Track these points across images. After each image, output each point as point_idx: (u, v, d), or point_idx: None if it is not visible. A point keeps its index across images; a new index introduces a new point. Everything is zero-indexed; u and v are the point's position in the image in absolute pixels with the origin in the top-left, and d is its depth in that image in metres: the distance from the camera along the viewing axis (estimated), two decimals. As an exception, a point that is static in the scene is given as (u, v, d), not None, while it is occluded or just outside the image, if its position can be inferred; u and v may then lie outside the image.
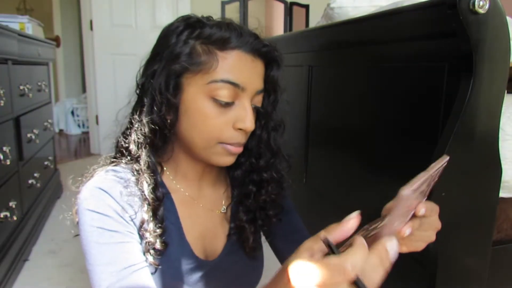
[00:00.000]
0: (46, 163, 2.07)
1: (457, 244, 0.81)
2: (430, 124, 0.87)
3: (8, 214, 1.38)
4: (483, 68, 0.74)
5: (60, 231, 1.86)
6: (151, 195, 0.61)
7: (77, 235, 0.60)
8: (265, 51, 0.63)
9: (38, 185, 1.85)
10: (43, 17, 4.43)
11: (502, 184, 0.83)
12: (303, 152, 1.60)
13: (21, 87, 1.66)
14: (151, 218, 0.60)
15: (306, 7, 4.03)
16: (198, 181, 0.70)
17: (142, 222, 0.60)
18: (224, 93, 0.59)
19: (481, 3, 0.69)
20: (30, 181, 1.73)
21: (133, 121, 0.63)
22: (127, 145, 0.63)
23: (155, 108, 0.60)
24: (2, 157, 1.35)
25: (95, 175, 0.62)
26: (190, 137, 0.62)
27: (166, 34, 0.63)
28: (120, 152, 0.65)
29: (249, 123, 0.61)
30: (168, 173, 0.68)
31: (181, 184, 0.68)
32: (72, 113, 4.81)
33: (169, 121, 0.61)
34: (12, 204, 1.43)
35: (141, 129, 0.61)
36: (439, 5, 0.77)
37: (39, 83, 2.01)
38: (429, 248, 0.76)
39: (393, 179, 1.01)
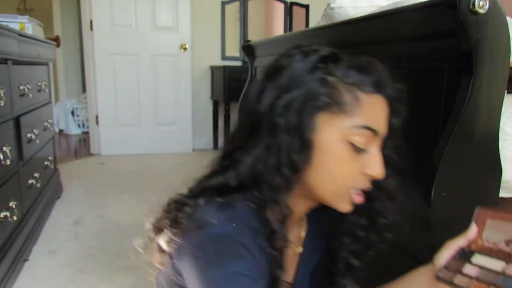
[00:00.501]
0: (46, 163, 2.07)
1: (457, 244, 0.81)
2: (430, 124, 0.87)
3: (8, 214, 1.38)
4: (483, 68, 0.74)
5: (60, 231, 1.86)
6: (281, 247, 0.56)
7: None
8: (396, 98, 0.60)
9: (38, 185, 1.85)
10: (43, 17, 4.42)
11: (502, 184, 0.83)
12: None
13: (21, 87, 1.66)
14: (278, 271, 0.56)
15: (306, 7, 4.03)
16: (293, 221, 0.65)
17: (273, 277, 0.55)
18: (362, 139, 0.55)
19: (481, 3, 0.69)
20: (30, 181, 1.73)
21: (267, 161, 0.56)
22: (250, 185, 0.56)
23: (292, 147, 0.55)
24: (2, 157, 1.35)
25: (209, 214, 0.54)
26: (318, 180, 0.57)
27: (291, 66, 0.57)
28: (238, 190, 0.57)
29: (381, 171, 0.58)
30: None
31: None
32: (72, 113, 4.81)
33: (301, 162, 0.56)
34: (12, 204, 1.43)
35: (277, 170, 0.55)
36: (439, 5, 0.78)
37: (39, 83, 2.01)
38: (429, 248, 0.76)
39: (393, 179, 1.01)
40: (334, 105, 0.54)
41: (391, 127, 0.61)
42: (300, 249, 0.70)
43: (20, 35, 1.62)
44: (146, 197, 2.40)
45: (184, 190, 0.67)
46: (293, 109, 0.54)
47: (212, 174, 0.62)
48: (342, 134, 0.55)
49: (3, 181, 1.38)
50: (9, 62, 1.52)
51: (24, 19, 2.05)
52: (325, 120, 0.55)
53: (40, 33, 2.31)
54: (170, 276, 0.63)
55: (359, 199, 0.59)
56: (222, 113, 3.64)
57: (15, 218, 1.45)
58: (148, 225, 0.66)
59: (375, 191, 0.63)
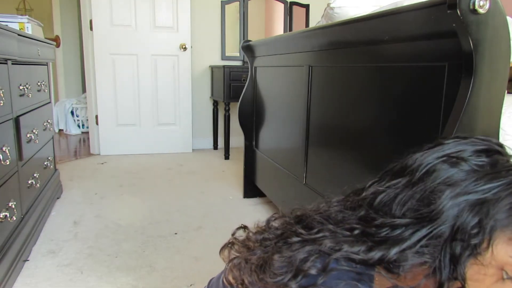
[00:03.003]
0: (45, 163, 2.07)
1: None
2: (430, 124, 0.87)
3: (7, 214, 1.37)
4: (483, 68, 0.74)
5: (60, 231, 1.86)
6: None
7: None
8: None
9: (38, 185, 1.85)
10: (43, 17, 4.42)
11: (502, 184, 0.83)
12: (303, 152, 1.60)
13: (21, 87, 1.66)
14: None
15: (306, 7, 4.04)
16: None
17: None
18: None
19: (481, 3, 0.69)
20: (29, 181, 1.72)
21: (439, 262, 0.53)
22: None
23: (463, 256, 0.52)
24: (1, 157, 1.35)
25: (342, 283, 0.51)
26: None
27: (496, 177, 0.53)
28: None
29: None
30: None
31: None
32: (72, 113, 4.81)
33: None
34: (11, 204, 1.43)
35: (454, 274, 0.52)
36: (439, 5, 0.77)
37: (39, 83, 2.01)
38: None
39: (393, 179, 1.01)
40: None
41: None
42: None
43: (19, 35, 1.62)
44: (146, 197, 2.40)
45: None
46: (480, 226, 0.52)
47: (351, 232, 0.57)
48: (503, 260, 0.52)
49: (3, 181, 1.38)
50: (9, 62, 1.52)
51: (24, 19, 2.05)
52: (499, 242, 0.52)
53: (39, 33, 2.31)
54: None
55: None
56: (222, 113, 3.64)
57: (14, 218, 1.45)
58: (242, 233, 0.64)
59: None
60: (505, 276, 0.52)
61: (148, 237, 1.80)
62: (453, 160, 0.55)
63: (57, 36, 5.03)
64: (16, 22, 2.00)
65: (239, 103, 2.32)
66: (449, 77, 0.81)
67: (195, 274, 1.49)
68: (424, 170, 0.56)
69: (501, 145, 0.56)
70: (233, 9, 3.83)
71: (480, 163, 0.54)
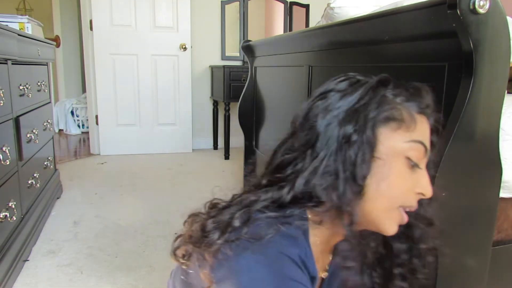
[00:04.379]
0: (45, 163, 2.07)
1: (457, 244, 0.81)
2: (430, 124, 0.87)
3: (7, 214, 1.38)
4: (483, 68, 0.74)
5: (60, 231, 1.86)
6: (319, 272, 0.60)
7: None
8: (435, 120, 0.64)
9: (38, 185, 1.85)
10: (43, 17, 4.42)
11: (502, 184, 0.83)
12: (303, 152, 1.59)
13: (21, 87, 1.66)
14: None
15: (306, 7, 4.04)
16: (328, 248, 0.68)
17: None
18: (417, 155, 0.59)
19: (481, 3, 0.69)
20: (29, 181, 1.72)
21: (336, 173, 0.57)
22: (302, 197, 0.59)
23: (357, 160, 0.56)
24: (1, 157, 1.35)
25: (266, 228, 0.55)
26: (373, 196, 0.58)
27: (356, 89, 0.60)
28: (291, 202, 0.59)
29: (430, 189, 0.61)
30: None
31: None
32: (72, 113, 4.81)
33: (366, 173, 0.57)
34: (11, 204, 1.43)
35: (351, 180, 0.57)
36: (439, 5, 0.77)
37: (39, 83, 2.01)
38: (429, 248, 0.76)
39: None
40: (395, 120, 0.58)
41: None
42: (324, 275, 0.71)
43: (20, 35, 1.62)
44: (146, 197, 2.40)
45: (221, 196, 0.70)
46: (358, 126, 0.57)
47: (264, 185, 0.63)
48: (401, 148, 0.58)
49: (3, 181, 1.38)
50: (9, 62, 1.52)
51: (24, 19, 2.05)
52: (386, 134, 0.58)
53: (39, 33, 2.31)
54: (181, 277, 0.68)
55: (406, 218, 0.62)
56: (222, 113, 3.64)
57: (14, 218, 1.45)
58: (185, 228, 0.68)
59: (413, 218, 0.65)
60: (411, 163, 0.59)
61: (148, 237, 1.80)
62: (323, 95, 0.63)
63: (57, 36, 5.03)
64: (16, 22, 2.00)
65: (239, 103, 2.32)
66: (449, 77, 0.81)
67: (195, 274, 1.49)
68: (303, 115, 0.63)
69: (358, 75, 0.64)
70: (233, 9, 3.83)
71: (343, 87, 0.62)
